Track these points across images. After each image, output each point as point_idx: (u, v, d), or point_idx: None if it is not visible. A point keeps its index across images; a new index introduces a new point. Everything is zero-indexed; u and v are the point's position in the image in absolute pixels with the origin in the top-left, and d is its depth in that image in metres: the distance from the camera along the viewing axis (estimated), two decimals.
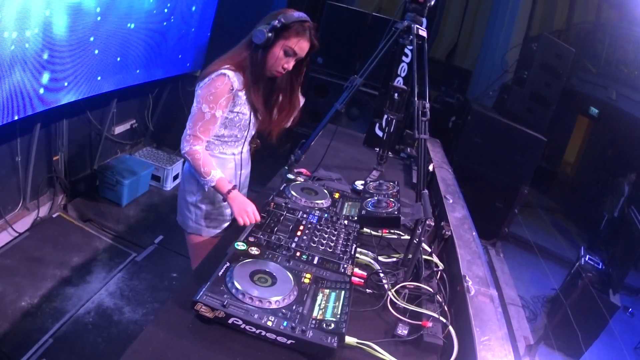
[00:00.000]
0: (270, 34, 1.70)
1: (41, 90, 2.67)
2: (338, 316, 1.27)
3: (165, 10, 3.63)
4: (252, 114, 1.88)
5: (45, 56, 2.58)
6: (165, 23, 3.71)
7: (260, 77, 1.81)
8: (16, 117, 2.57)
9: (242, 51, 1.79)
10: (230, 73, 1.73)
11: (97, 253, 3.39)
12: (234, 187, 1.79)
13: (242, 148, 2.00)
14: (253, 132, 2.00)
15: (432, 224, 1.52)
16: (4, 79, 2.35)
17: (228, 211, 2.01)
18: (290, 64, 1.80)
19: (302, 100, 2.11)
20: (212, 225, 2.01)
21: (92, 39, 2.92)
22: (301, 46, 1.77)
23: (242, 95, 1.80)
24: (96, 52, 3.03)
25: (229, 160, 1.97)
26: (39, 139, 3.26)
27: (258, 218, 1.69)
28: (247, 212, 1.69)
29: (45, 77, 2.66)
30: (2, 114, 2.45)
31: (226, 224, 2.05)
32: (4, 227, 3.19)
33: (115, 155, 4.36)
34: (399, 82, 2.77)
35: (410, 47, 2.14)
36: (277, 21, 1.69)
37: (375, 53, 2.18)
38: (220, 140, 1.90)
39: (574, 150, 7.19)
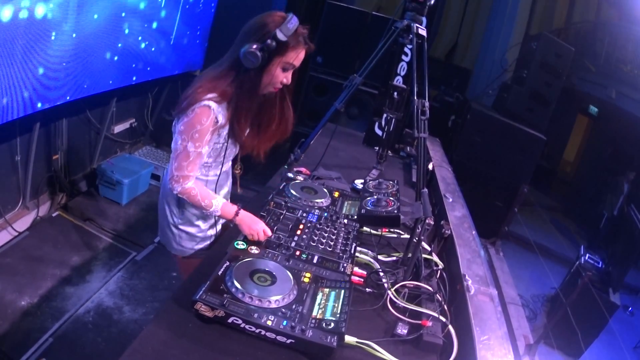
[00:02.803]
0: (263, 54, 1.50)
1: (40, 89, 2.67)
2: (338, 315, 1.27)
3: (165, 9, 3.62)
4: (232, 145, 1.75)
5: (45, 55, 2.58)
6: (164, 22, 3.70)
7: (254, 99, 1.63)
8: (15, 115, 2.57)
9: (228, 73, 1.59)
10: (214, 105, 1.55)
11: (96, 252, 3.39)
12: (239, 209, 1.67)
13: (225, 168, 1.85)
14: (236, 152, 1.84)
15: (432, 222, 1.52)
16: (3, 79, 2.35)
17: (212, 231, 1.90)
18: (289, 78, 1.64)
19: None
20: (198, 246, 1.88)
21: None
22: (299, 57, 1.61)
23: (226, 127, 1.65)
24: (96, 51, 3.03)
25: (211, 182, 1.81)
26: (38, 138, 3.26)
27: (269, 233, 1.60)
28: (258, 232, 1.58)
29: (45, 77, 2.66)
30: (1, 113, 2.44)
31: (211, 241, 1.93)
32: (3, 226, 3.19)
33: (114, 155, 4.35)
34: (398, 81, 2.77)
35: (410, 46, 2.15)
36: (271, 40, 1.49)
37: (375, 52, 2.18)
38: (203, 166, 1.75)
39: (573, 149, 7.18)
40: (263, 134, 1.79)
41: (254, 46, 1.49)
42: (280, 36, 1.49)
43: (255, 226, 1.60)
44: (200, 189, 1.66)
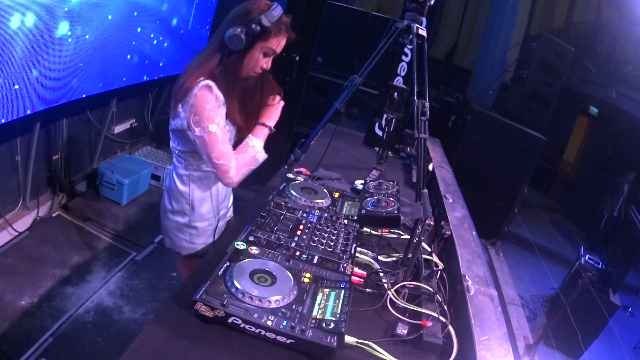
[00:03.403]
0: (247, 37, 1.58)
1: (41, 90, 2.67)
2: (338, 315, 1.27)
3: (165, 9, 3.63)
4: (231, 127, 1.78)
5: (46, 55, 2.58)
6: (165, 22, 3.71)
7: (236, 82, 1.69)
8: (13, 116, 2.57)
9: (213, 57, 1.64)
10: (211, 83, 1.60)
11: (97, 252, 3.39)
12: (267, 128, 1.79)
13: None
14: (234, 138, 1.87)
15: (432, 223, 1.52)
16: (3, 79, 2.35)
17: (221, 223, 1.97)
18: (269, 63, 1.71)
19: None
20: (209, 240, 1.95)
21: (87, 36, 2.93)
22: (280, 44, 1.69)
23: (223, 108, 1.69)
24: (96, 51, 3.04)
25: (211, 173, 1.81)
26: (38, 138, 3.26)
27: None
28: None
29: (45, 76, 2.66)
30: (1, 113, 2.45)
31: (220, 231, 1.99)
32: (3, 226, 3.19)
33: (115, 155, 4.36)
34: (398, 81, 2.77)
35: (410, 47, 2.14)
36: (255, 25, 1.56)
37: (375, 52, 2.18)
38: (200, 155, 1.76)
39: (573, 150, 7.19)
40: (250, 119, 1.83)
41: (239, 29, 1.56)
42: (265, 22, 1.56)
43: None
44: (241, 158, 1.70)
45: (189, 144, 1.73)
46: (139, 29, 3.36)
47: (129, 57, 3.41)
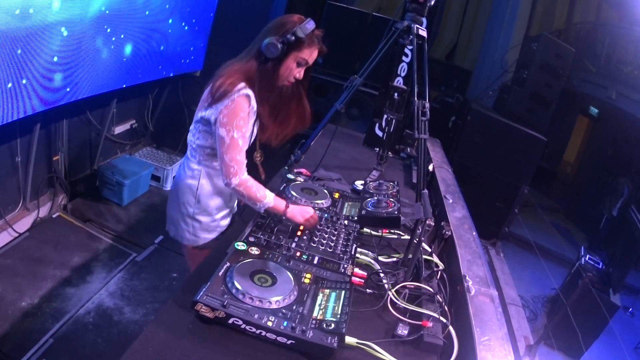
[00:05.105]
0: (283, 46, 1.68)
1: (41, 90, 2.67)
2: (338, 316, 1.27)
3: (165, 10, 3.63)
4: (258, 127, 1.86)
5: (46, 56, 2.58)
6: (164, 23, 3.71)
7: (272, 88, 1.78)
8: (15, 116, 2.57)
9: (251, 63, 1.73)
10: (251, 93, 1.70)
11: (97, 253, 3.39)
12: (289, 203, 1.76)
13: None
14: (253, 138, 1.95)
15: (432, 223, 1.53)
16: (4, 79, 2.35)
17: (224, 222, 2.01)
18: (301, 73, 1.81)
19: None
20: (210, 235, 2.00)
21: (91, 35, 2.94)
22: (312, 55, 1.79)
23: (254, 116, 1.79)
24: (97, 51, 3.04)
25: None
26: (39, 139, 3.26)
27: (316, 218, 1.75)
28: (313, 218, 1.73)
29: (46, 77, 2.66)
30: (2, 114, 2.45)
31: (222, 229, 2.04)
32: (4, 227, 3.19)
33: (115, 156, 4.36)
34: (398, 82, 2.77)
35: (410, 47, 2.15)
36: (290, 35, 1.66)
37: (375, 53, 2.18)
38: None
39: (573, 150, 7.18)
40: (278, 123, 1.91)
41: (275, 39, 1.67)
42: (299, 33, 1.67)
43: (307, 214, 1.72)
44: (254, 182, 1.74)
45: (210, 139, 1.79)
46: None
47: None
